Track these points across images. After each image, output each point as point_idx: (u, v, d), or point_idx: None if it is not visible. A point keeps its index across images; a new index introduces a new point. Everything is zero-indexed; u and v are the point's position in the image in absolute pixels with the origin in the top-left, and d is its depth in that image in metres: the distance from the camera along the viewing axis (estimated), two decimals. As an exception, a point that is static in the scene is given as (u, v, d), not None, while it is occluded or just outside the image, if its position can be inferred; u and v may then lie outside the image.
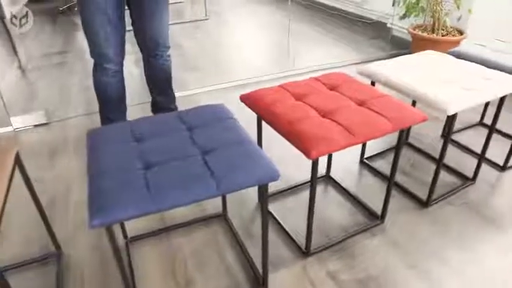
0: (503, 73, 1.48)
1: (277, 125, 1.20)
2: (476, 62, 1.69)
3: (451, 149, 1.92)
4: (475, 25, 2.63)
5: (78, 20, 4.55)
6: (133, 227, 1.47)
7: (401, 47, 3.10)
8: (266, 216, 1.08)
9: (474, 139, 1.99)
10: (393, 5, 2.64)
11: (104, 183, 0.94)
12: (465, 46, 1.81)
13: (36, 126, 2.22)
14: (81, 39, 4.00)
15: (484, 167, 1.78)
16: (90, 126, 2.22)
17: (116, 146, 1.09)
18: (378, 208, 1.54)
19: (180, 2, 5.19)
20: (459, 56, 1.76)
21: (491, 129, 1.56)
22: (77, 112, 2.37)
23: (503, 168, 1.76)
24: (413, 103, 1.91)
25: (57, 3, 4.91)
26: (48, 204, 1.60)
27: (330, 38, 3.63)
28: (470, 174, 1.71)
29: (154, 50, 1.81)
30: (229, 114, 1.23)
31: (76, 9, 4.72)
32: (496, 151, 1.88)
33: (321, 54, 3.16)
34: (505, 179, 1.70)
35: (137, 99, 2.50)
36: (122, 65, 1.75)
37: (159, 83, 1.94)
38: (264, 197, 1.04)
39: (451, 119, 1.35)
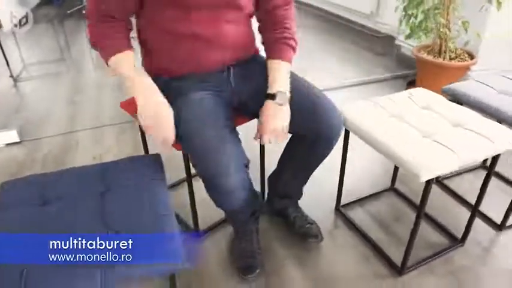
0: (498, 126, 1.25)
1: None
2: (474, 106, 1.46)
3: (443, 199, 1.69)
4: (488, 48, 2.36)
5: (84, 23, 4.51)
6: None
7: (408, 66, 2.84)
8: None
9: (474, 186, 1.74)
10: (400, 25, 2.39)
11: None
12: (464, 84, 1.58)
13: (7, 145, 2.15)
14: (81, 45, 3.94)
15: (479, 223, 1.54)
16: (63, 146, 2.12)
17: (20, 211, 0.97)
18: (347, 274, 1.35)
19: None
20: (454, 95, 1.53)
21: (487, 178, 1.31)
22: (54, 131, 2.28)
23: (500, 227, 1.51)
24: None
25: (66, 6, 4.89)
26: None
27: (334, 53, 3.40)
28: (460, 233, 1.48)
29: None
30: (158, 173, 1.08)
31: (84, 12, 4.67)
32: (497, 203, 1.60)
33: (321, 74, 2.92)
34: (500, 242, 1.46)
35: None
36: None
37: None
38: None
39: (427, 184, 1.14)
